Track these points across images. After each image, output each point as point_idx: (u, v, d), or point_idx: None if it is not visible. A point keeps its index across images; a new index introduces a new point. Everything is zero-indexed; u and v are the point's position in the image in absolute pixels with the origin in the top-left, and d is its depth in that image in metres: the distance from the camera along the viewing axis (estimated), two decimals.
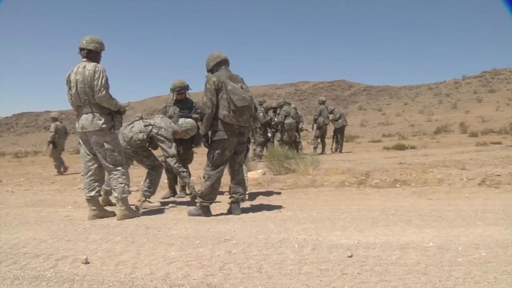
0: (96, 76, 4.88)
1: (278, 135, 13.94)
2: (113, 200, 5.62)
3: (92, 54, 5.08)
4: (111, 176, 5.12)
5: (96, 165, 5.19)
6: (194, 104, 6.90)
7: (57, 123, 13.07)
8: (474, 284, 2.54)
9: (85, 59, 5.04)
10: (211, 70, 5.15)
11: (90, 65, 4.94)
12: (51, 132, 12.91)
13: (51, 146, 12.89)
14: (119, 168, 5.12)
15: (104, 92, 4.89)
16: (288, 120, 13.36)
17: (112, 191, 5.17)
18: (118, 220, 4.98)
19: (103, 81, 4.90)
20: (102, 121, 4.97)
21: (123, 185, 5.08)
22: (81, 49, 5.07)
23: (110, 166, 5.08)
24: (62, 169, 12.72)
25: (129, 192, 5.23)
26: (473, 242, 3.39)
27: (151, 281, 2.82)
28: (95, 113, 4.96)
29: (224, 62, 5.16)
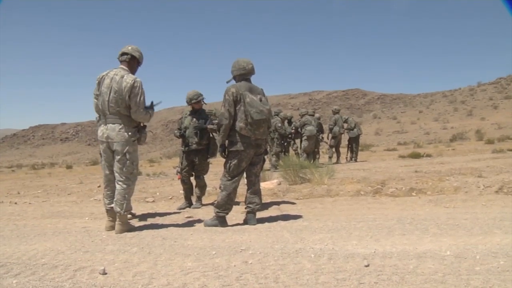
0: (136, 91, 4.84)
1: (294, 144, 13.92)
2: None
3: (133, 62, 5.11)
4: (119, 187, 5.01)
5: None
6: (209, 115, 6.94)
7: None
8: None
9: (124, 66, 5.02)
10: (234, 78, 5.19)
11: (129, 78, 4.88)
12: None
13: None
14: (129, 183, 5.05)
15: (142, 110, 4.89)
16: (309, 127, 13.34)
17: (114, 202, 5.06)
18: (116, 234, 4.90)
19: (142, 98, 4.89)
20: (129, 134, 4.94)
21: (127, 202, 5.03)
22: (125, 54, 5.07)
23: (123, 177, 4.99)
24: None
25: (131, 209, 5.28)
26: (491, 251, 3.36)
27: None
28: (123, 125, 4.92)
29: (248, 74, 5.16)
